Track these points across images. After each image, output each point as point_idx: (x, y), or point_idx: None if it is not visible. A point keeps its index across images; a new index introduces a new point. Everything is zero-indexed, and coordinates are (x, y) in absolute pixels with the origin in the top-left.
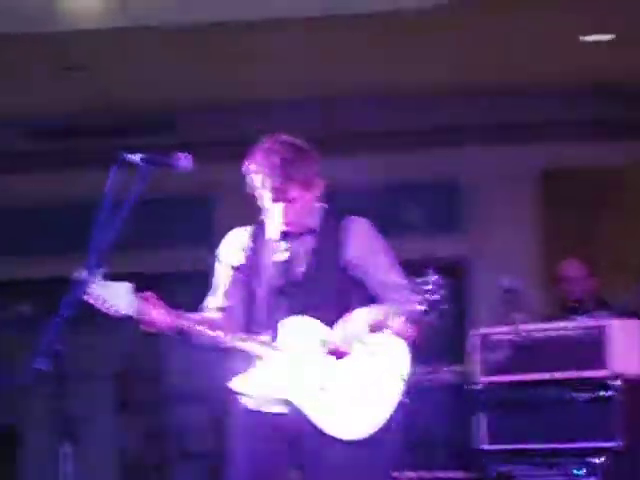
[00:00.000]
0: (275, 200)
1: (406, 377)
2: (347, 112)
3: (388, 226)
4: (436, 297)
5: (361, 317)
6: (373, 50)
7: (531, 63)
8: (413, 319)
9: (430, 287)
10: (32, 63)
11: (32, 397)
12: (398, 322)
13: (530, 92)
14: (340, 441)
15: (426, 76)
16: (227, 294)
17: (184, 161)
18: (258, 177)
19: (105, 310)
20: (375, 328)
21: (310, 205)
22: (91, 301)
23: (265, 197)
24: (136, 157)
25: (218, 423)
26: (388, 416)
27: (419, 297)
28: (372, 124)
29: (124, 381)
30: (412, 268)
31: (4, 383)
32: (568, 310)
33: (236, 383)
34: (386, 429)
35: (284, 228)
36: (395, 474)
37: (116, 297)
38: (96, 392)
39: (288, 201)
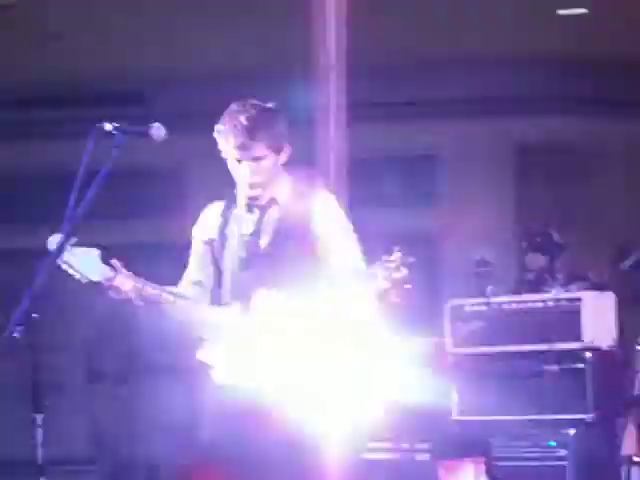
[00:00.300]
0: (240, 158)
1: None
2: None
3: (365, 198)
4: (399, 275)
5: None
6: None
7: (510, 36)
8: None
9: (394, 265)
10: (4, 33)
11: (4, 365)
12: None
13: (508, 66)
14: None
15: (407, 50)
16: (199, 269)
17: (158, 131)
18: (224, 137)
19: (75, 276)
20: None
21: (276, 168)
22: (64, 267)
23: (231, 157)
24: (111, 126)
25: (189, 394)
26: (356, 392)
27: (372, 284)
28: (353, 95)
29: (94, 350)
30: (386, 240)
31: None
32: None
33: (203, 354)
34: None
35: (250, 192)
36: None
37: (85, 263)
38: (66, 361)
39: (253, 159)
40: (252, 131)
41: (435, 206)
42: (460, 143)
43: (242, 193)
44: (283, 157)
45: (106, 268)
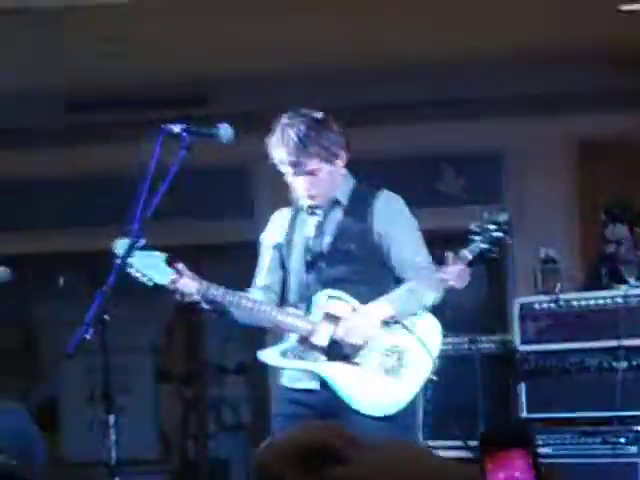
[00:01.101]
0: (295, 174)
1: (435, 354)
2: (387, 82)
3: (427, 197)
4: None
5: (374, 314)
6: (416, 18)
7: (573, 32)
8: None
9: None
10: (66, 35)
11: (74, 368)
12: (420, 307)
13: (568, 62)
14: (366, 417)
15: (466, 46)
16: (268, 274)
17: (225, 132)
18: (276, 152)
19: (140, 279)
20: (394, 318)
21: (333, 177)
22: (130, 272)
23: (287, 172)
24: (178, 128)
25: (255, 395)
26: (414, 393)
27: (439, 278)
28: (414, 94)
29: (163, 352)
30: (450, 239)
31: (46, 354)
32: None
33: (267, 355)
34: (411, 405)
35: (309, 202)
36: (438, 443)
37: (150, 267)
38: (136, 363)
39: (308, 174)
40: (303, 146)
41: (499, 205)
42: (523, 141)
43: (301, 199)
44: (339, 164)
45: (171, 271)
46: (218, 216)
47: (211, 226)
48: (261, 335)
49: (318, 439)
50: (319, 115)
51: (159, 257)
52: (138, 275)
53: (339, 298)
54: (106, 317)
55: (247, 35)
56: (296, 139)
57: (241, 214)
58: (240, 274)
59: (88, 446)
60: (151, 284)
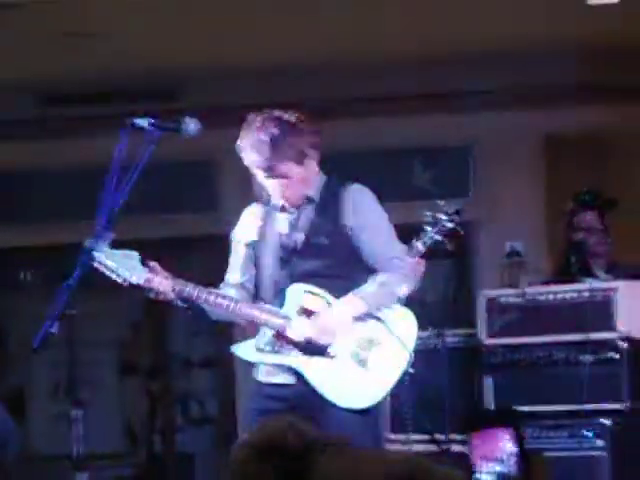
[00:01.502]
0: (267, 177)
1: (411, 347)
2: (356, 76)
3: (396, 191)
4: (451, 225)
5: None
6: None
7: (540, 26)
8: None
9: (445, 217)
10: (42, 30)
11: (40, 362)
12: (393, 300)
13: (534, 56)
14: (342, 409)
15: (434, 41)
16: (241, 271)
17: (192, 126)
18: (247, 155)
19: (114, 278)
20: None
21: (305, 177)
22: (101, 269)
23: (258, 174)
24: (144, 122)
25: (222, 389)
26: (391, 386)
27: (411, 269)
28: (385, 89)
29: (128, 346)
30: (418, 233)
31: (11, 348)
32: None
33: (241, 350)
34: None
35: (283, 202)
36: (402, 436)
37: (124, 266)
38: (102, 358)
39: (280, 177)
40: (276, 151)
41: (466, 198)
42: (490, 134)
43: (273, 199)
44: (312, 163)
45: (145, 270)
46: (183, 209)
47: (176, 219)
48: (228, 328)
49: (271, 433)
50: (291, 117)
51: (133, 256)
52: (112, 274)
53: (313, 292)
54: (72, 311)
55: (215, 29)
56: (268, 143)
57: (206, 207)
58: (205, 267)
59: (53, 439)
60: (125, 284)
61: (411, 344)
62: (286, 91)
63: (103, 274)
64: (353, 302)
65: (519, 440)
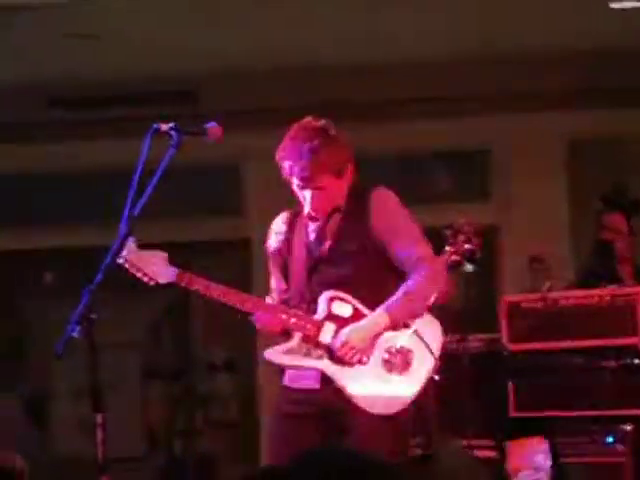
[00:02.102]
0: (303, 188)
1: (437, 354)
2: (373, 81)
3: (417, 195)
4: (469, 246)
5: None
6: (401, 17)
7: (558, 30)
8: (440, 290)
9: (464, 237)
10: (52, 32)
11: (62, 366)
12: (425, 305)
13: (557, 59)
14: (369, 414)
15: (453, 44)
16: (282, 277)
17: (214, 130)
18: (286, 164)
19: (141, 278)
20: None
21: (339, 190)
22: (128, 269)
23: (294, 183)
24: (167, 126)
25: (244, 392)
26: (417, 392)
27: (444, 265)
28: (401, 92)
29: (150, 349)
30: (440, 236)
31: (34, 352)
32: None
33: (272, 354)
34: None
35: (314, 213)
36: (426, 441)
37: (152, 265)
38: (124, 361)
39: (316, 189)
40: (315, 164)
41: (487, 203)
42: (512, 139)
43: (305, 208)
44: (346, 177)
45: (173, 270)
46: (207, 214)
47: (200, 224)
48: (250, 332)
49: None
50: (332, 130)
51: (161, 256)
52: (139, 274)
53: (341, 299)
54: (93, 315)
55: (235, 33)
56: (310, 155)
57: (230, 212)
58: (230, 271)
59: (76, 443)
60: (152, 283)
61: (437, 350)
62: (304, 94)
63: (126, 276)
64: (378, 319)
65: (554, 451)
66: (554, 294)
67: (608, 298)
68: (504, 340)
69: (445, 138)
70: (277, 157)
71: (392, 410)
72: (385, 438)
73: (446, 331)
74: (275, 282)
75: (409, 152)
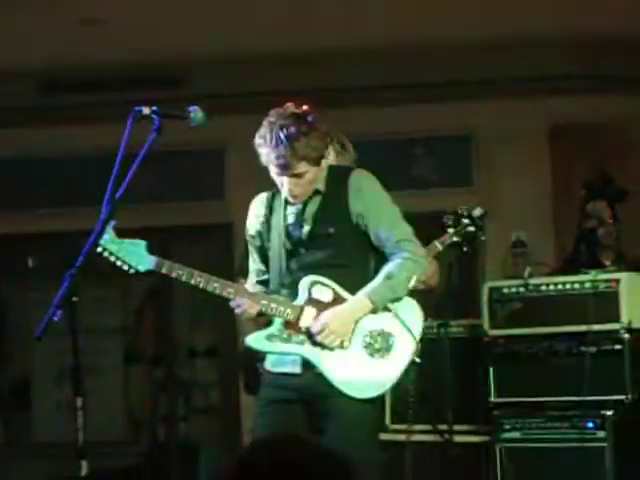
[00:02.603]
0: (280, 175)
1: (418, 337)
2: (356, 66)
3: (399, 179)
4: (472, 229)
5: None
6: (386, 2)
7: (541, 16)
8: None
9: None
10: (47, 16)
11: (44, 350)
12: (406, 287)
13: (538, 45)
14: (350, 398)
15: (437, 29)
16: (257, 261)
17: (196, 115)
18: (264, 151)
19: (120, 266)
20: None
21: (317, 175)
22: (107, 257)
23: (272, 170)
24: (150, 110)
25: (226, 378)
26: (399, 375)
27: (422, 248)
28: (386, 77)
29: (132, 334)
30: (422, 222)
31: (15, 336)
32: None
33: (252, 340)
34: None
35: (293, 199)
36: (405, 426)
37: (132, 254)
38: (106, 345)
39: (294, 176)
40: (292, 152)
41: (470, 187)
42: (494, 123)
43: (286, 195)
44: (324, 163)
45: (153, 258)
46: (188, 198)
47: (181, 208)
48: (231, 317)
49: None
50: (310, 117)
51: (141, 245)
52: (118, 262)
53: (322, 283)
54: (75, 299)
55: (219, 16)
56: (286, 142)
57: (212, 196)
58: (211, 255)
59: (57, 427)
60: (131, 272)
61: (418, 334)
62: (287, 79)
63: (107, 261)
64: (359, 302)
65: None
66: (536, 280)
67: (589, 284)
68: (485, 326)
69: (428, 123)
70: (255, 143)
71: (373, 393)
72: (366, 422)
73: (428, 316)
74: (253, 264)
75: (393, 137)
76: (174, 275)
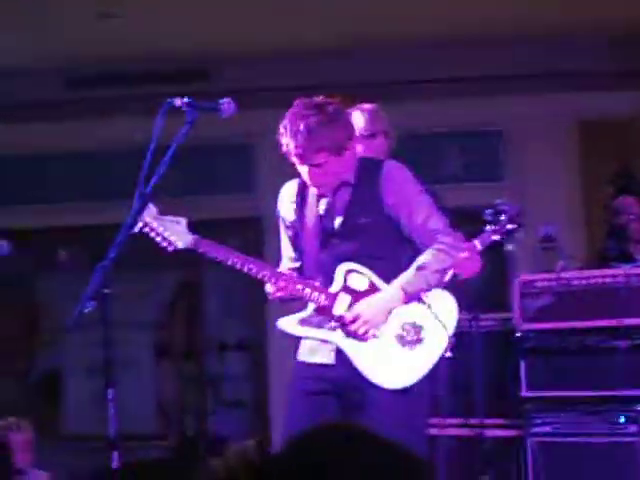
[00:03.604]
0: (300, 163)
1: (451, 331)
2: (388, 59)
3: (428, 174)
4: (511, 226)
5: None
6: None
7: (571, 12)
8: (456, 263)
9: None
10: (67, 10)
11: (76, 342)
12: (440, 278)
13: (569, 39)
14: (383, 390)
15: (467, 24)
16: (290, 247)
17: (228, 106)
18: (285, 141)
19: (160, 242)
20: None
21: (341, 166)
22: (148, 232)
23: (294, 160)
24: (181, 102)
25: (256, 372)
26: (430, 368)
27: (460, 240)
28: (418, 72)
29: (163, 327)
30: (450, 217)
31: (48, 329)
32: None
33: (285, 323)
34: (425, 379)
35: (316, 190)
36: (436, 420)
37: (172, 230)
38: (136, 338)
39: (312, 166)
40: (311, 141)
41: (500, 182)
42: (524, 119)
43: (310, 184)
44: (348, 154)
45: (192, 236)
46: (219, 192)
47: (212, 202)
48: (262, 311)
49: None
50: (331, 108)
51: (182, 222)
52: (158, 238)
53: (357, 271)
54: (107, 291)
55: (248, 9)
56: (305, 132)
57: (242, 190)
58: (241, 249)
59: (89, 419)
60: (171, 248)
61: (451, 327)
62: (318, 73)
63: (140, 254)
64: (392, 292)
65: None
66: (568, 274)
67: (622, 278)
68: (517, 319)
69: (458, 118)
70: (279, 133)
71: (403, 384)
72: (400, 413)
73: (459, 309)
74: (285, 250)
75: (422, 132)
76: (213, 254)
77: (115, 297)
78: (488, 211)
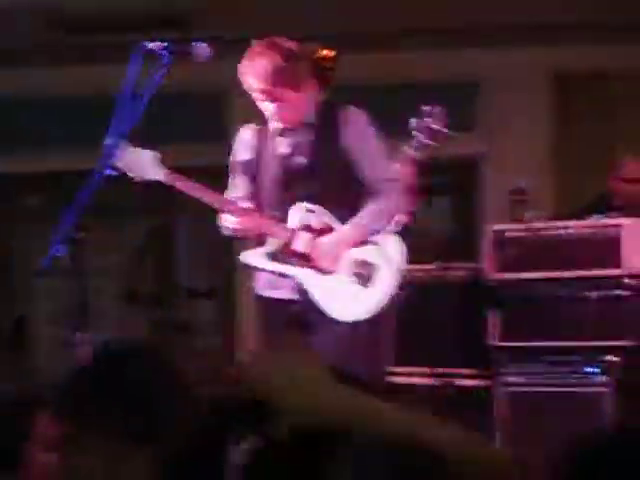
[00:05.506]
0: (263, 100)
1: (402, 269)
2: (366, 11)
3: (399, 126)
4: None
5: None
6: None
7: None
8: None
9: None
10: None
11: (42, 289)
12: (390, 220)
13: None
14: (341, 325)
15: None
16: (241, 187)
17: (203, 51)
18: (246, 79)
19: (132, 175)
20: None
21: (302, 103)
22: (120, 166)
23: (256, 97)
24: (156, 46)
25: (224, 320)
26: (384, 303)
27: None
28: (389, 23)
29: (131, 274)
30: (426, 166)
31: (15, 275)
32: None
33: (249, 256)
34: (381, 314)
35: (278, 124)
36: (403, 369)
37: (142, 162)
38: (105, 285)
39: (276, 101)
40: (271, 78)
41: (473, 133)
42: (499, 71)
43: (273, 122)
44: (308, 90)
45: (163, 169)
46: (192, 140)
47: (184, 149)
48: (231, 260)
49: None
50: (294, 46)
51: (152, 154)
52: (130, 171)
53: (314, 211)
54: (79, 235)
55: None
56: (264, 69)
57: (215, 138)
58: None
59: (56, 364)
60: (141, 180)
61: (402, 267)
62: (298, 24)
63: (107, 201)
64: (349, 233)
65: None
66: (539, 224)
67: (592, 229)
68: (488, 269)
69: (429, 70)
70: (239, 72)
71: (357, 317)
72: (358, 345)
73: (427, 260)
74: (243, 189)
75: (392, 83)
76: (180, 187)
77: (84, 244)
78: (413, 119)
